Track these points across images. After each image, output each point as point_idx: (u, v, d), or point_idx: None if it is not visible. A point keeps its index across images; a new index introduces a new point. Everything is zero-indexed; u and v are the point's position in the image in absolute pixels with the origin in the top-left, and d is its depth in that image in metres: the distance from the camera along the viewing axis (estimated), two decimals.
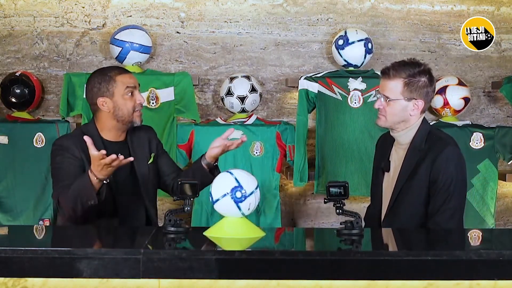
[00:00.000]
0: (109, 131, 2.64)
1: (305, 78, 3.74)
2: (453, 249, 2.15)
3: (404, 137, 2.57)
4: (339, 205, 2.19)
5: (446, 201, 2.45)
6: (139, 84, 2.68)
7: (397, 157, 2.61)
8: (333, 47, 3.80)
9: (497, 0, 4.02)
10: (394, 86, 2.53)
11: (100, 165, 2.34)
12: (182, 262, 1.85)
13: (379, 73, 3.75)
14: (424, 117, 2.60)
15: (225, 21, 3.96)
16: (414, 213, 2.53)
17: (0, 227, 3.18)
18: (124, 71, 2.68)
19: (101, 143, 2.58)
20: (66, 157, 2.54)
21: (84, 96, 2.73)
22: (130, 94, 2.61)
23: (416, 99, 2.52)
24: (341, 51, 3.76)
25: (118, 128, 2.64)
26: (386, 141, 2.69)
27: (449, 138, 2.60)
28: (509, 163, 3.81)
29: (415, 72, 2.53)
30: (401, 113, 2.53)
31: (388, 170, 2.63)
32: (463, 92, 3.84)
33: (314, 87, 3.73)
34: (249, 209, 2.12)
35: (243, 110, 3.79)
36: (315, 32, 3.99)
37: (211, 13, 3.95)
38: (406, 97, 2.52)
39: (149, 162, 2.72)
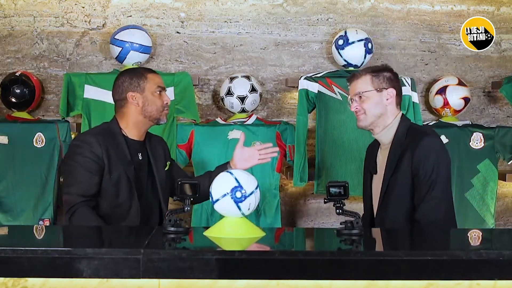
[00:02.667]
0: (132, 128, 2.66)
1: (305, 78, 3.74)
2: (453, 249, 2.15)
3: (386, 136, 2.62)
4: (339, 205, 2.19)
5: (430, 190, 2.47)
6: (165, 88, 2.76)
7: (382, 157, 2.65)
8: (333, 47, 3.80)
9: (497, 0, 4.02)
10: (363, 81, 2.63)
11: None
12: (182, 262, 1.85)
13: None
14: (402, 114, 2.66)
15: (225, 21, 3.96)
16: (402, 206, 2.55)
17: (0, 227, 3.18)
18: (153, 71, 2.75)
19: (123, 139, 2.63)
20: (85, 157, 2.55)
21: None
22: (159, 92, 2.67)
23: (386, 89, 2.61)
24: (341, 51, 3.76)
25: (143, 124, 2.67)
26: (373, 147, 2.75)
27: (428, 129, 2.68)
28: (509, 163, 3.81)
29: (379, 69, 2.68)
30: (378, 105, 2.60)
31: (376, 172, 2.67)
32: (463, 92, 3.84)
33: (314, 87, 3.73)
34: (249, 209, 2.12)
35: (243, 110, 3.79)
36: (315, 32, 3.99)
37: (211, 13, 3.95)
38: (377, 88, 2.60)
39: (166, 169, 2.77)
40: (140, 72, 2.70)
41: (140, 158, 2.68)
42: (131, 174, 2.60)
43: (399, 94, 2.65)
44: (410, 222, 2.54)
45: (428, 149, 2.50)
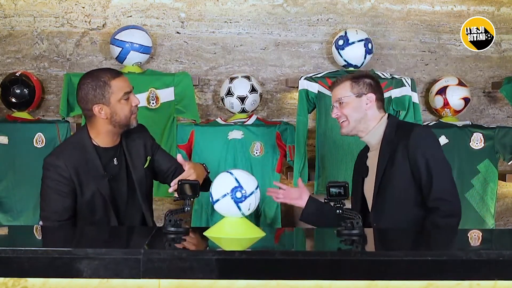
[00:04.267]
0: (104, 137, 2.57)
1: (305, 78, 3.74)
2: (453, 249, 2.15)
3: (373, 137, 2.66)
4: (339, 205, 2.19)
5: (438, 175, 2.49)
6: (132, 87, 2.60)
7: (373, 159, 2.67)
8: (333, 47, 3.80)
9: (497, 0, 4.03)
10: (342, 87, 2.68)
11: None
12: (182, 262, 1.85)
13: (379, 73, 3.78)
14: (389, 114, 2.71)
15: (225, 21, 3.96)
16: (400, 198, 2.56)
17: (0, 227, 3.18)
18: (116, 73, 2.56)
19: (94, 151, 2.55)
20: (54, 180, 2.50)
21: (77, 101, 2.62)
22: (126, 98, 2.53)
23: (366, 94, 2.65)
24: (341, 51, 3.76)
25: (113, 132, 2.58)
26: (363, 153, 2.79)
27: (417, 123, 2.75)
28: (509, 163, 3.81)
29: (359, 75, 2.73)
30: (358, 110, 2.65)
31: (367, 175, 2.69)
32: (463, 92, 3.84)
33: (314, 87, 3.72)
34: (249, 209, 2.12)
35: (243, 110, 3.79)
36: (315, 32, 3.99)
37: (211, 13, 3.95)
38: (356, 93, 2.65)
39: (145, 166, 2.68)
40: (102, 80, 2.49)
41: (115, 163, 2.59)
42: (105, 189, 2.53)
43: (380, 99, 2.69)
44: (410, 212, 2.55)
45: (420, 136, 2.55)
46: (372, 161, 2.67)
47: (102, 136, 2.57)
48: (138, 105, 2.59)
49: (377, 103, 2.67)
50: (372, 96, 2.65)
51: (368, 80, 2.68)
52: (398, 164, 2.55)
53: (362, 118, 2.65)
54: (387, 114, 2.70)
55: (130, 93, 2.56)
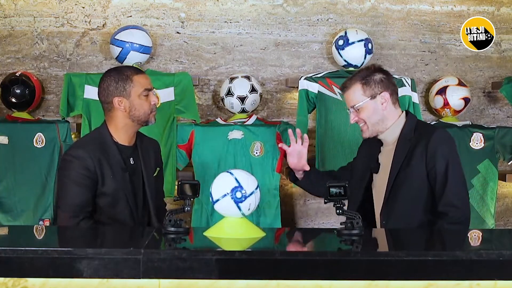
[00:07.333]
0: (122, 133, 2.62)
1: (305, 78, 3.74)
2: (453, 249, 2.15)
3: (390, 135, 2.63)
4: (339, 205, 2.19)
5: (454, 180, 2.48)
6: (153, 86, 2.68)
7: (386, 156, 2.64)
8: (333, 47, 3.80)
9: (497, 0, 4.03)
10: (354, 92, 2.62)
11: None
12: (182, 262, 1.85)
13: None
14: (408, 112, 2.68)
15: (225, 21, 3.96)
16: (413, 200, 2.54)
17: (0, 227, 3.18)
18: (139, 71, 2.66)
19: (115, 147, 2.59)
20: (78, 173, 2.50)
21: (96, 95, 2.67)
22: (145, 95, 2.60)
23: (379, 93, 2.60)
24: (341, 51, 3.76)
25: (131, 128, 2.63)
26: (372, 144, 2.74)
27: (436, 126, 2.67)
28: (509, 163, 3.81)
29: (368, 73, 2.64)
30: (375, 112, 2.61)
31: (377, 171, 2.67)
32: (463, 92, 3.84)
33: (314, 87, 3.73)
34: (249, 209, 2.12)
35: (243, 110, 3.79)
36: (315, 32, 3.99)
37: (211, 13, 3.95)
38: (370, 96, 2.60)
39: (154, 174, 2.74)
40: (125, 74, 2.59)
41: (132, 162, 2.64)
42: (125, 183, 2.57)
43: (393, 94, 2.64)
44: (420, 214, 2.54)
45: (442, 139, 2.53)
46: (386, 158, 2.64)
47: (120, 131, 2.62)
48: (156, 104, 2.66)
49: (392, 99, 2.62)
50: (385, 95, 2.60)
51: (378, 76, 2.62)
52: (414, 163, 2.53)
53: (380, 119, 2.61)
54: (404, 112, 2.67)
55: (150, 91, 2.63)
